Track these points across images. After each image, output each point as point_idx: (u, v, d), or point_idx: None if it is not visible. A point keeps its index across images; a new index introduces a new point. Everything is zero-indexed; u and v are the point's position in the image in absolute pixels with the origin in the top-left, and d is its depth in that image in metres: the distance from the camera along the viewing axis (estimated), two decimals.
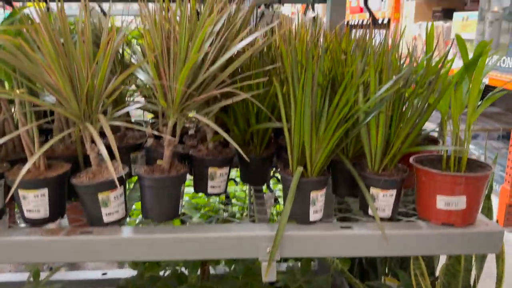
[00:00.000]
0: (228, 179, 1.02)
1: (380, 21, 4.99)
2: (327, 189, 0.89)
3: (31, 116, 0.83)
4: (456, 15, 3.52)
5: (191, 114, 0.82)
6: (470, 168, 0.89)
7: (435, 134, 1.18)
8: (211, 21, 0.77)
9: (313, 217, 0.86)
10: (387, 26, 4.63)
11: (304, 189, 0.85)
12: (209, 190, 0.99)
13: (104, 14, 1.87)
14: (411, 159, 0.90)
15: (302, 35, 1.05)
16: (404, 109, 0.88)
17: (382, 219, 0.89)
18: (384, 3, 4.85)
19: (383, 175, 0.87)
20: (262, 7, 1.43)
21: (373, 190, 0.88)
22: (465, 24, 3.42)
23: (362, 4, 5.53)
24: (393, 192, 0.88)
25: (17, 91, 0.75)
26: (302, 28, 1.07)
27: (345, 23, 1.39)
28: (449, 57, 2.79)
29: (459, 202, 0.84)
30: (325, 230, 0.85)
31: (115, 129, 1.09)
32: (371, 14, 1.46)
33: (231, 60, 0.88)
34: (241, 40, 0.82)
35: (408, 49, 0.98)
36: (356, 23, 5.84)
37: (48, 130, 1.12)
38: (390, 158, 0.87)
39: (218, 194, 1.01)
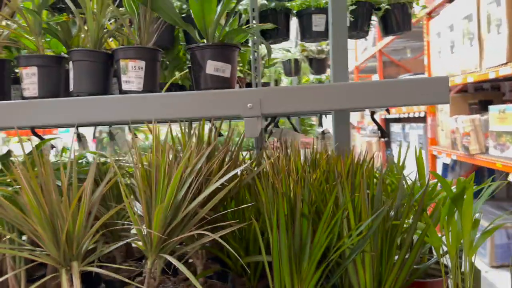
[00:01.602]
0: None
1: (416, 115, 4.97)
2: None
3: (20, 261, 0.85)
4: (492, 108, 3.45)
5: (169, 258, 0.80)
6: None
7: None
8: (180, 170, 0.79)
9: None
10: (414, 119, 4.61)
11: None
12: None
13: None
14: None
15: (294, 163, 1.05)
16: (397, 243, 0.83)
17: None
18: None
19: None
20: (271, 126, 1.47)
21: None
22: (502, 116, 3.33)
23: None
24: None
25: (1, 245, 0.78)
26: (297, 156, 1.07)
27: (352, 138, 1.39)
28: (491, 150, 2.66)
29: None
30: None
31: (112, 258, 1.10)
32: (379, 128, 1.45)
33: (214, 194, 0.88)
34: (218, 179, 0.83)
35: (404, 175, 0.94)
36: (392, 117, 5.86)
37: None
38: None
39: None
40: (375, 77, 6.14)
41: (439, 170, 4.57)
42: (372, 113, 1.46)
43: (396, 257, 0.84)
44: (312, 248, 0.80)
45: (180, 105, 0.86)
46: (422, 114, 4.75)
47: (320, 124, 1.57)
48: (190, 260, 1.11)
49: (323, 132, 1.54)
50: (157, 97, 0.86)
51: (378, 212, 0.78)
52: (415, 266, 0.88)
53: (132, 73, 0.88)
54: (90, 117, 0.86)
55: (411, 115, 5.03)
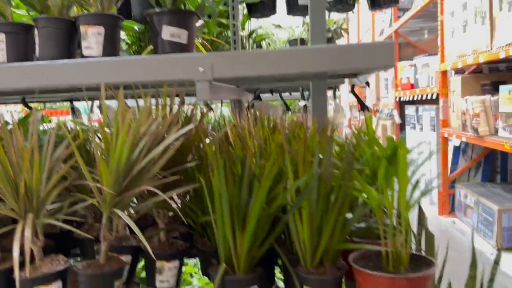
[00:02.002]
0: (180, 273, 1.02)
1: (429, 97, 4.89)
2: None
3: None
4: (503, 88, 3.37)
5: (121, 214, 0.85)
6: (416, 264, 0.82)
7: None
8: (125, 128, 0.83)
9: None
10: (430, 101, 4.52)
11: None
12: (158, 285, 0.99)
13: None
14: (350, 256, 0.85)
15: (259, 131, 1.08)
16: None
17: None
18: (432, 79, 4.79)
19: (313, 273, 0.83)
20: (251, 98, 1.49)
21: None
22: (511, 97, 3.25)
23: (412, 81, 5.49)
24: None
25: None
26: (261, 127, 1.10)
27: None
28: (500, 132, 2.68)
29: None
30: None
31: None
32: (358, 100, 1.45)
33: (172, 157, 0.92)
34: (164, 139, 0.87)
35: (347, 139, 0.96)
36: (407, 99, 5.78)
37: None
38: (321, 253, 0.83)
39: None
40: None
41: (450, 153, 4.49)
42: (352, 87, 1.46)
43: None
44: (255, 206, 0.83)
45: (134, 69, 0.90)
46: (435, 96, 4.66)
47: (303, 98, 1.59)
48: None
49: (305, 106, 1.56)
50: (112, 61, 0.90)
51: (316, 172, 0.80)
52: (357, 225, 0.91)
53: (91, 39, 0.92)
54: (50, 81, 0.91)
55: (424, 97, 4.94)
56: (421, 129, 5.13)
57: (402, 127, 6.16)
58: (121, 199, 0.87)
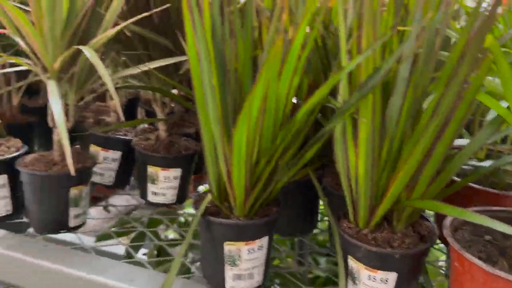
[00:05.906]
0: (185, 186, 0.70)
1: None
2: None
3: None
4: None
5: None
6: None
7: None
8: None
9: (231, 284, 0.49)
10: None
11: (216, 238, 0.47)
12: (150, 198, 0.69)
13: None
14: (446, 220, 0.43)
15: None
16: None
17: None
18: None
19: (367, 241, 0.43)
20: None
21: (353, 264, 0.45)
22: None
23: None
24: (392, 275, 0.43)
25: None
26: None
27: None
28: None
29: None
30: None
31: None
32: None
33: None
34: None
35: None
36: None
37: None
38: (384, 208, 0.42)
39: (163, 205, 0.70)
40: None
41: None
42: None
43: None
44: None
45: None
46: None
47: None
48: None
49: None
50: None
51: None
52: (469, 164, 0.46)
53: None
54: None
55: None
56: None
57: None
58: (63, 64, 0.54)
